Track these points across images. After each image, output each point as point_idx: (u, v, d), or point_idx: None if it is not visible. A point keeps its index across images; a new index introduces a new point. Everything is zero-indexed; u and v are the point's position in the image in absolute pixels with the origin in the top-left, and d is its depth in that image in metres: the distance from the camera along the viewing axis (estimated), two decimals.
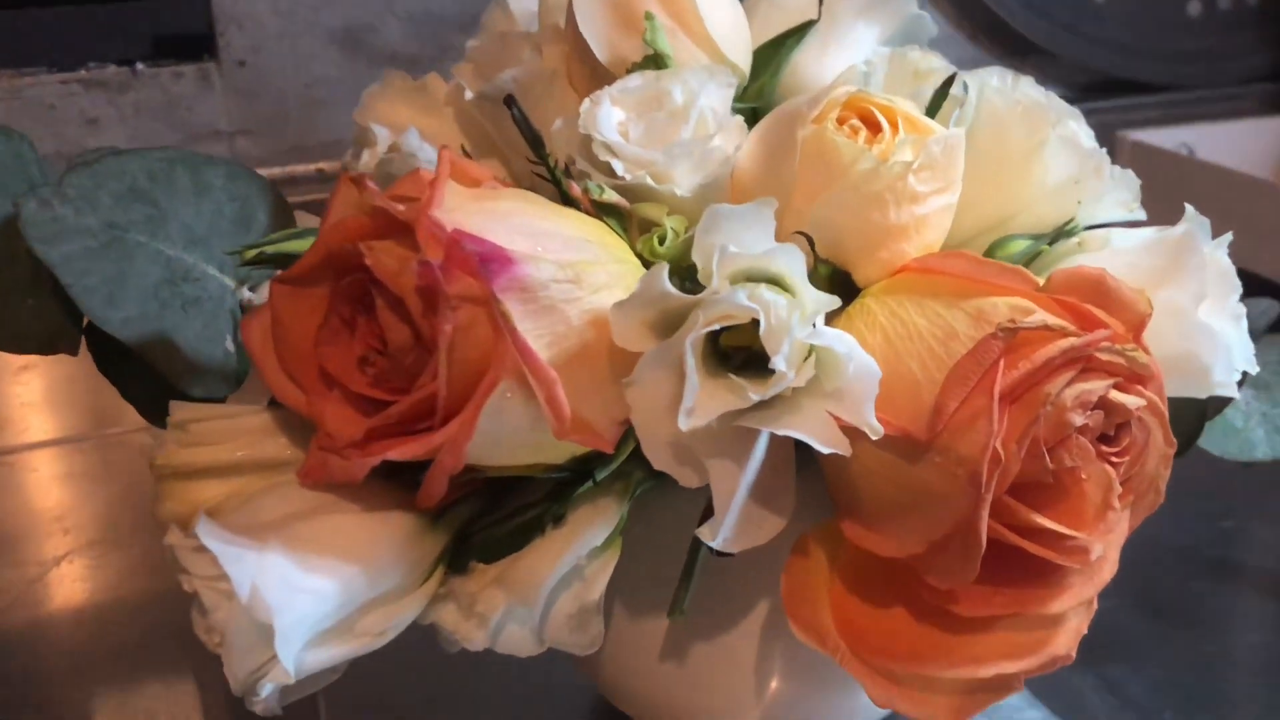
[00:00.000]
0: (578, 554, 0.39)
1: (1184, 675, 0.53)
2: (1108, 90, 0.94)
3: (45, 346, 0.46)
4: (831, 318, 0.41)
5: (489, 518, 0.41)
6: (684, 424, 0.35)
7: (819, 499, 0.40)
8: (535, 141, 0.41)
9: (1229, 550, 0.62)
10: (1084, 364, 0.36)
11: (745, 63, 0.47)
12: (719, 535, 0.37)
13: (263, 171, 0.81)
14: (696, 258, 0.36)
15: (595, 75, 0.46)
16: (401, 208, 0.36)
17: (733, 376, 0.36)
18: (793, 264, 0.36)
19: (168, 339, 0.44)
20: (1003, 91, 0.44)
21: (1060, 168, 0.43)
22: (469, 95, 0.46)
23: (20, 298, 0.45)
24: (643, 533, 0.41)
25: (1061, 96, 0.98)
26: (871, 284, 0.41)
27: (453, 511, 0.40)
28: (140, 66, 0.78)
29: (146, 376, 0.46)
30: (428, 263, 0.34)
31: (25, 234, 0.43)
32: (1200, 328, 0.40)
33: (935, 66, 0.46)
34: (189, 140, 0.80)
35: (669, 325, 0.37)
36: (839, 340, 0.35)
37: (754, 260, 0.35)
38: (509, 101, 0.42)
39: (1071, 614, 0.38)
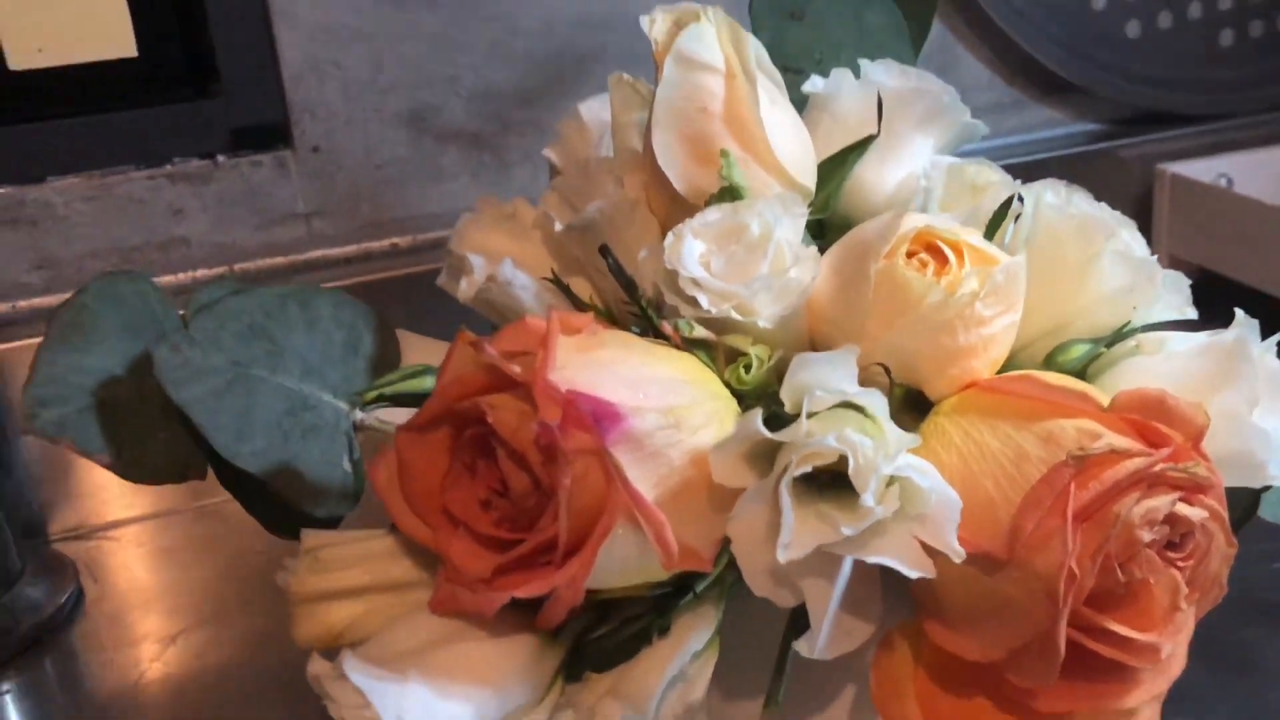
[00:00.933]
0: (682, 660, 0.43)
1: None
2: (1145, 123, 0.96)
3: (177, 476, 0.50)
4: None
5: (600, 629, 0.44)
6: (783, 557, 0.38)
7: (900, 595, 0.44)
8: (630, 287, 0.45)
9: None
10: (1150, 481, 0.39)
11: (811, 180, 0.50)
12: (815, 647, 0.40)
13: (337, 250, 0.86)
14: (786, 397, 0.40)
15: (674, 203, 0.49)
16: (518, 369, 0.39)
17: (824, 507, 0.39)
18: (875, 405, 0.39)
19: (292, 468, 0.48)
20: (1057, 207, 0.47)
21: (1115, 278, 0.46)
22: (558, 227, 0.50)
23: (154, 432, 0.49)
24: (733, 626, 0.45)
25: (1099, 133, 1.00)
26: (943, 397, 0.44)
27: (567, 627, 0.43)
28: (221, 158, 0.82)
29: (269, 496, 0.50)
30: (547, 425, 0.37)
31: (159, 379, 0.47)
32: (1255, 431, 0.43)
33: (992, 180, 0.49)
34: (268, 223, 0.84)
35: (762, 456, 0.41)
36: (921, 473, 0.39)
37: (839, 397, 0.39)
38: (604, 252, 0.45)
39: (1145, 706, 0.41)
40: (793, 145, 0.49)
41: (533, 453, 0.39)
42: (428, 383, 0.46)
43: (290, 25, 0.81)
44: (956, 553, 0.38)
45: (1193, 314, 0.47)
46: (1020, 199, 0.48)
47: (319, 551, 0.45)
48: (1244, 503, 0.50)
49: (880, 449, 0.38)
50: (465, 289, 0.51)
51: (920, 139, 0.52)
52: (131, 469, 0.49)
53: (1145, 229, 0.94)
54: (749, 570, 0.40)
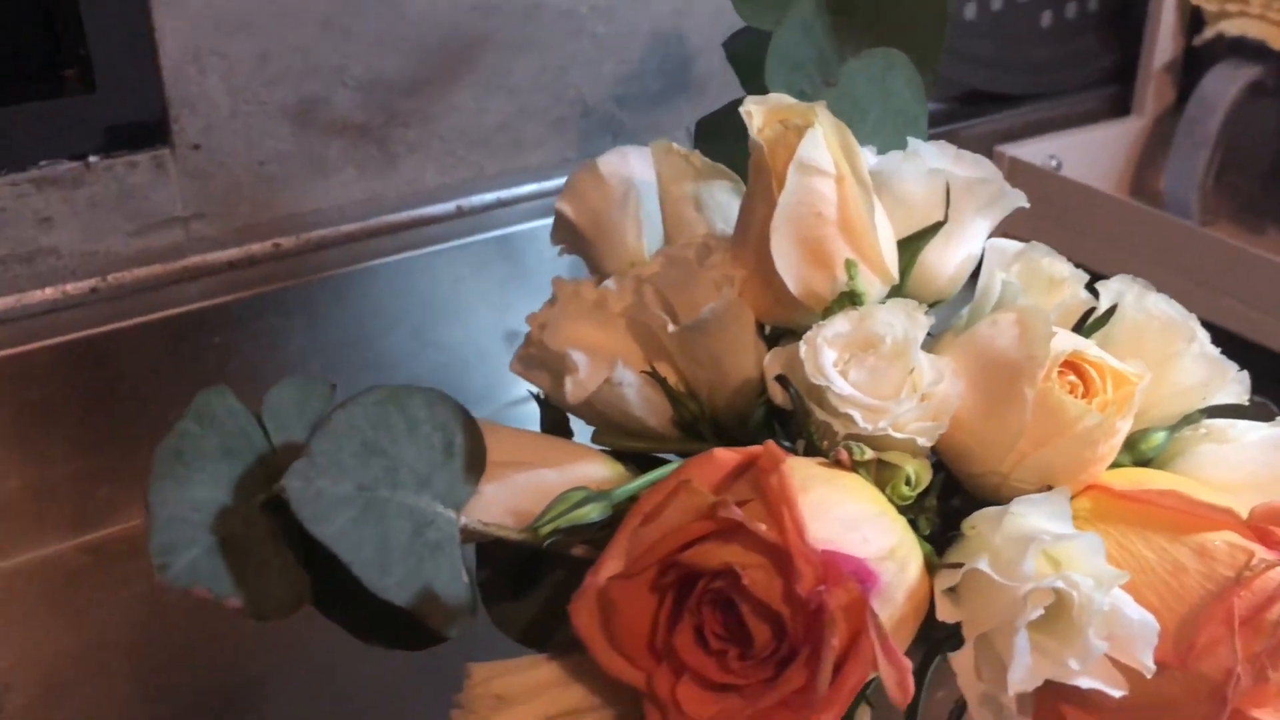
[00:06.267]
0: None
1: None
2: (981, 102, 1.02)
3: (295, 605, 0.47)
4: None
5: None
6: (1013, 690, 0.41)
7: None
8: (807, 414, 0.46)
9: None
10: None
11: (896, 271, 0.52)
12: None
13: (220, 253, 0.80)
14: (1005, 545, 0.43)
15: (779, 301, 0.50)
16: (764, 528, 0.40)
17: (1040, 640, 0.42)
18: (1093, 547, 0.42)
19: (429, 591, 0.47)
20: (1139, 308, 0.51)
21: (1194, 375, 0.51)
22: (671, 329, 0.49)
23: (268, 561, 0.46)
24: None
25: (936, 112, 1.05)
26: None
27: None
28: (93, 160, 0.75)
29: (373, 612, 0.48)
30: (819, 591, 0.39)
31: (299, 516, 0.44)
32: None
33: (1065, 275, 0.53)
34: (144, 229, 0.77)
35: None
36: (1129, 605, 0.42)
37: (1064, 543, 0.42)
38: (784, 382, 0.46)
39: None
40: (888, 241, 0.51)
41: (786, 610, 0.40)
42: (591, 512, 0.46)
43: (170, 11, 0.74)
44: (1149, 669, 0.43)
45: (1246, 400, 0.52)
46: (1095, 293, 0.53)
47: (493, 684, 0.45)
48: None
49: (1098, 586, 0.42)
50: (574, 390, 0.50)
51: (980, 221, 0.55)
52: (259, 607, 0.46)
53: None
54: (968, 691, 0.43)
